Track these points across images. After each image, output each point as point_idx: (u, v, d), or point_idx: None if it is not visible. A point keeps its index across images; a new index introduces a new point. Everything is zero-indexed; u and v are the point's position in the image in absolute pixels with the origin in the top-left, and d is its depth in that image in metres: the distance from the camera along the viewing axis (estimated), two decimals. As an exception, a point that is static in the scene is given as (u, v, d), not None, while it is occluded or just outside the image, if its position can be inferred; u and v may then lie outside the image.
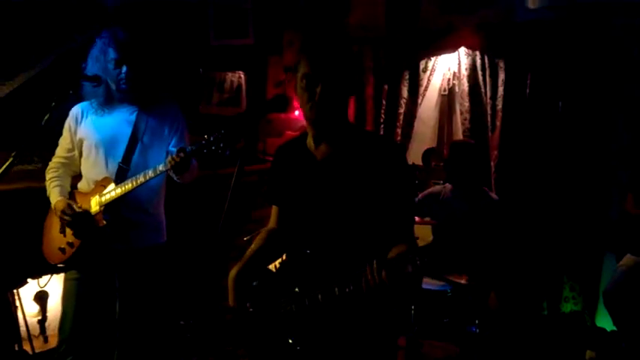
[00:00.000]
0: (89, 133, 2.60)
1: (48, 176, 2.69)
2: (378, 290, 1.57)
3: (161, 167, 2.41)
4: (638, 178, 3.35)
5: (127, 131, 2.57)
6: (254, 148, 4.74)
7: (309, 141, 1.89)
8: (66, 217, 2.49)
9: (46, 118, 2.35)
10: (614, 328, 3.32)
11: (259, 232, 3.70)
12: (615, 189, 3.51)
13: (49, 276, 3.41)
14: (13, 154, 2.22)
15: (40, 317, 3.54)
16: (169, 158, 2.37)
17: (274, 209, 2.08)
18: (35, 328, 3.51)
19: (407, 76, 4.44)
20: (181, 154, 2.33)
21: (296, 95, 1.82)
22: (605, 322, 3.49)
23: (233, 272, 1.91)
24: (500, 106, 3.93)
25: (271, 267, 2.01)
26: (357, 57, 1.84)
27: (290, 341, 1.78)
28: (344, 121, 1.84)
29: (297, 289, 1.80)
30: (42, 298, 3.52)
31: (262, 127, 4.77)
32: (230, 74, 4.74)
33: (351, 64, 1.78)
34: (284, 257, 2.04)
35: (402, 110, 4.47)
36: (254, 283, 1.90)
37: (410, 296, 1.88)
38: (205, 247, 3.22)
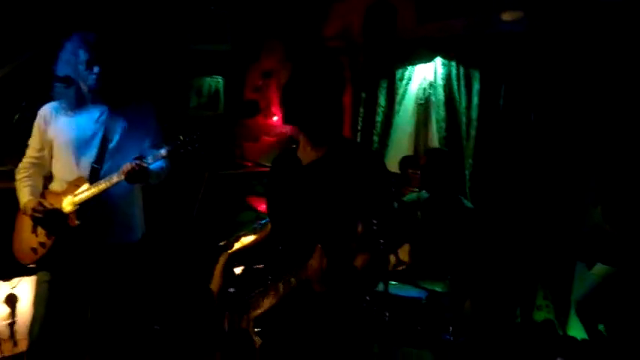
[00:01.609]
0: (59, 133, 2.57)
1: (18, 176, 2.64)
2: (321, 279, 1.61)
3: (115, 178, 2.41)
4: (607, 190, 3.43)
5: (99, 131, 2.55)
6: (232, 154, 4.73)
7: (299, 148, 1.95)
8: (37, 215, 2.45)
9: (16, 117, 2.33)
10: (585, 337, 3.38)
11: (236, 237, 3.72)
12: (587, 199, 3.59)
13: (19, 279, 3.35)
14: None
15: (9, 320, 3.46)
16: (124, 166, 2.36)
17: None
18: (4, 332, 3.43)
19: (384, 85, 4.50)
20: (135, 165, 2.34)
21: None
22: (576, 330, 3.55)
23: (224, 258, 2.02)
24: (474, 115, 4.00)
25: None
26: (340, 68, 1.89)
27: (256, 330, 1.86)
28: (329, 128, 1.88)
29: (269, 282, 1.87)
30: (12, 301, 3.44)
31: (239, 133, 4.77)
32: (208, 79, 4.73)
33: (332, 76, 1.84)
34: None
35: (379, 118, 4.52)
36: (236, 271, 2.01)
37: (364, 286, 1.92)
38: (181, 248, 3.21)
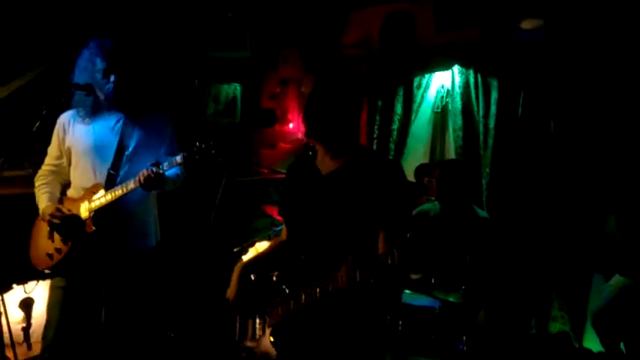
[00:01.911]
0: (77, 141, 2.61)
1: (37, 183, 2.69)
2: (352, 288, 1.61)
3: (132, 184, 2.43)
4: (621, 199, 3.37)
5: (115, 139, 2.58)
6: (248, 160, 4.75)
7: (318, 157, 1.97)
8: (55, 221, 2.49)
9: (37, 125, 2.37)
10: (601, 349, 3.32)
11: (250, 243, 3.73)
12: (604, 209, 3.53)
13: (35, 282, 3.39)
14: (1, 159, 2.23)
15: (24, 324, 3.51)
16: (141, 173, 2.38)
17: (285, 222, 2.16)
18: (19, 335, 3.47)
19: (401, 93, 4.48)
20: (150, 172, 2.36)
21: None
22: (592, 342, 3.49)
23: (239, 265, 2.03)
24: (492, 124, 3.96)
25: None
26: (361, 79, 1.91)
27: (271, 340, 1.88)
28: (349, 138, 1.90)
29: (287, 291, 1.88)
30: (27, 305, 3.49)
31: (256, 139, 4.79)
32: (225, 86, 4.77)
33: (354, 87, 1.85)
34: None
35: (395, 126, 4.50)
36: (252, 277, 2.01)
37: (389, 299, 1.92)
38: (196, 255, 3.23)
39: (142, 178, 2.38)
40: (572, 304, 3.66)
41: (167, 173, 2.48)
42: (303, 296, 1.78)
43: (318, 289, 1.73)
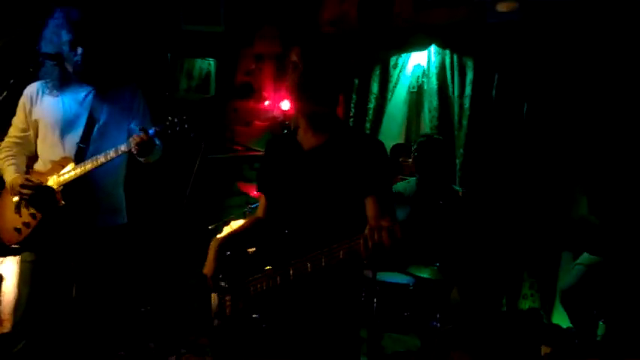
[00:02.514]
0: (45, 113, 2.54)
1: (1, 155, 2.62)
2: (375, 253, 1.57)
3: (123, 147, 2.39)
4: (594, 181, 3.45)
5: (84, 111, 2.54)
6: (222, 137, 4.70)
7: (300, 133, 1.97)
8: (25, 191, 2.43)
9: (3, 95, 2.30)
10: (570, 325, 3.41)
11: (225, 221, 3.70)
12: (574, 190, 3.61)
13: (2, 258, 3.31)
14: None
15: (-6, 301, 3.43)
16: (132, 138, 2.34)
17: (262, 199, 2.15)
18: (-11, 312, 3.40)
19: (377, 72, 4.47)
20: (142, 136, 2.31)
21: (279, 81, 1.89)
22: (560, 319, 3.58)
23: (215, 242, 2.01)
24: (467, 105, 3.99)
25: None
26: (345, 58, 1.91)
27: (254, 316, 1.85)
28: (331, 114, 1.91)
29: (267, 268, 1.86)
30: (-3, 281, 3.41)
31: (231, 116, 4.73)
32: (199, 61, 4.68)
33: (337, 59, 1.86)
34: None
35: (371, 105, 4.49)
36: (227, 253, 1.99)
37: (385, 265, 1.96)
38: (170, 232, 3.19)
39: (136, 143, 2.33)
40: (542, 283, 3.75)
41: None
42: (292, 271, 1.76)
43: (309, 264, 1.71)
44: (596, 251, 3.25)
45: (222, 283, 1.98)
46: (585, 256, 3.32)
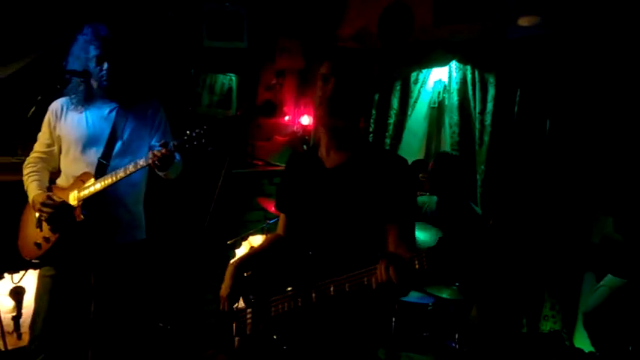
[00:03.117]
0: (69, 129, 2.58)
1: (26, 171, 2.66)
2: (385, 287, 1.56)
3: (142, 162, 2.40)
4: (620, 200, 3.37)
5: (107, 127, 2.56)
6: (243, 152, 4.72)
7: (321, 149, 1.94)
8: (45, 209, 2.46)
9: (32, 111, 2.34)
10: (592, 349, 3.33)
11: (244, 236, 3.71)
12: (598, 210, 3.53)
13: (24, 271, 3.36)
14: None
15: (14, 313, 3.47)
16: (151, 153, 2.35)
17: (282, 217, 2.13)
18: (9, 325, 3.44)
19: (398, 87, 4.46)
20: (163, 150, 2.32)
21: (301, 97, 1.88)
22: (582, 342, 3.50)
23: (234, 262, 1.99)
24: (488, 121, 3.95)
25: None
26: (371, 74, 1.90)
27: (274, 337, 1.83)
28: (354, 130, 1.88)
29: (289, 289, 1.84)
30: (18, 294, 3.45)
31: (251, 132, 4.76)
32: (221, 76, 4.73)
33: (365, 74, 1.86)
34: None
35: (391, 121, 4.48)
36: (245, 274, 1.98)
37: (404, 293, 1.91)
38: (189, 247, 3.19)
39: (153, 158, 2.34)
40: (564, 304, 3.66)
41: None
42: (314, 294, 1.74)
43: (332, 287, 1.69)
44: (620, 273, 3.17)
45: (241, 304, 1.96)
46: (609, 278, 3.24)
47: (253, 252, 2.13)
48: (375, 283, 1.57)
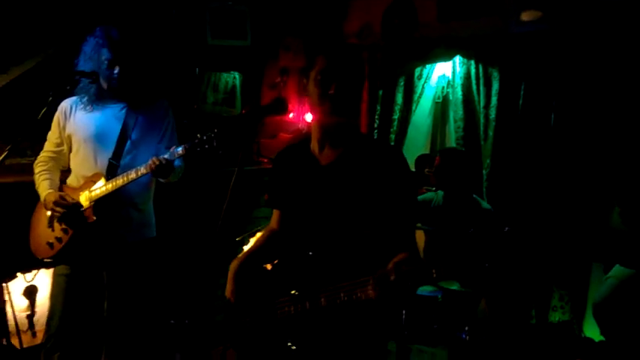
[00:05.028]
0: (78, 128, 2.60)
1: (36, 170, 2.68)
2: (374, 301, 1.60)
3: (142, 169, 2.42)
4: (626, 192, 3.38)
5: (117, 127, 2.57)
6: (249, 150, 4.74)
7: (314, 145, 1.90)
8: (58, 209, 2.48)
9: (42, 111, 2.36)
10: (602, 338, 3.34)
11: (251, 232, 3.73)
12: (605, 201, 3.54)
13: (35, 270, 3.39)
14: (7, 147, 2.22)
15: (29, 312, 3.50)
16: (151, 161, 2.37)
17: (275, 212, 2.09)
18: (24, 323, 3.47)
19: (402, 83, 4.47)
20: (156, 160, 2.35)
21: (304, 94, 1.87)
22: (592, 331, 3.51)
23: (234, 264, 1.95)
24: (493, 115, 3.96)
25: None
26: (362, 65, 1.89)
27: (289, 344, 1.79)
28: (352, 125, 1.87)
29: (294, 292, 1.80)
30: (31, 293, 3.48)
31: (257, 129, 4.77)
32: (225, 74, 4.75)
33: (361, 68, 1.84)
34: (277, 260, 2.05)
35: (395, 116, 4.49)
36: (248, 274, 1.95)
37: (401, 302, 1.90)
38: (200, 245, 3.21)
39: (153, 165, 2.37)
40: (572, 294, 3.68)
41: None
42: (323, 299, 1.71)
43: (342, 294, 1.67)
44: (628, 263, 3.18)
45: (247, 305, 1.92)
46: (617, 269, 3.25)
47: (251, 251, 2.08)
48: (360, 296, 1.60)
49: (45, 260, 2.62)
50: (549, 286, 3.75)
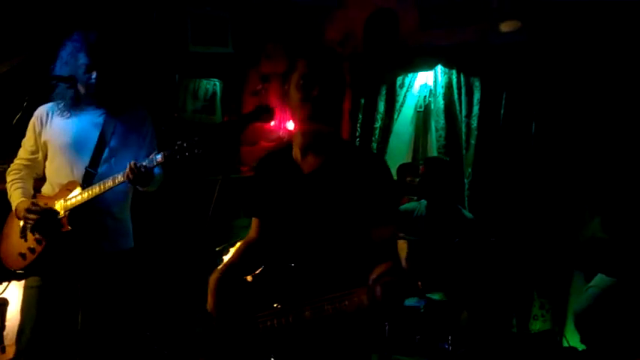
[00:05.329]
0: (55, 135, 2.52)
1: (9, 178, 2.59)
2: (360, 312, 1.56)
3: (120, 177, 2.35)
4: (606, 201, 3.41)
5: (94, 134, 2.50)
6: (230, 158, 4.69)
7: (296, 152, 1.86)
8: (31, 216, 2.39)
9: (17, 117, 2.29)
10: (584, 347, 3.35)
11: (231, 243, 3.67)
12: (585, 210, 3.57)
13: (6, 283, 3.28)
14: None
15: (-2, 326, 3.39)
16: (127, 169, 2.31)
17: (255, 221, 2.04)
18: (-7, 338, 3.36)
19: (384, 92, 4.47)
20: (141, 167, 2.29)
21: (284, 100, 1.81)
22: (574, 341, 3.52)
23: (214, 276, 1.89)
24: (475, 124, 3.98)
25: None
26: (343, 70, 1.84)
27: (264, 351, 1.75)
28: (334, 132, 1.83)
29: (276, 305, 1.76)
30: (1, 306, 3.37)
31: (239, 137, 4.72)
32: (205, 81, 4.69)
33: (343, 73, 1.80)
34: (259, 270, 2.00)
35: (377, 125, 4.49)
36: (228, 286, 1.89)
37: (388, 314, 1.87)
38: (177, 254, 3.14)
39: (131, 173, 2.30)
40: (553, 303, 3.70)
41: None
42: (308, 312, 1.67)
43: (327, 306, 1.63)
44: (609, 272, 3.20)
45: (228, 319, 1.87)
46: (599, 278, 3.27)
47: (231, 262, 2.01)
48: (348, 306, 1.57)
49: (17, 272, 2.52)
50: (530, 295, 3.76)
